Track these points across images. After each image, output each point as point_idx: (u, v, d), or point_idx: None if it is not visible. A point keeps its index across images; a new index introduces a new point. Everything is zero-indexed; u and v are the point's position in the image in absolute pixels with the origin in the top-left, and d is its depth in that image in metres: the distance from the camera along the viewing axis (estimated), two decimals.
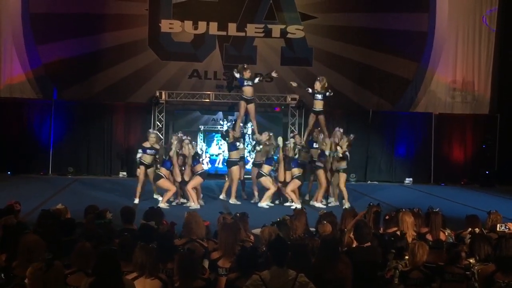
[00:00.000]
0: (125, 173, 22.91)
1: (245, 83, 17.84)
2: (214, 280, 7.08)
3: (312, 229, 9.47)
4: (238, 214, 9.22)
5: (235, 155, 17.27)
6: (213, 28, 23.53)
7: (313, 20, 23.85)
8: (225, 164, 18.70)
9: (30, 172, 22.40)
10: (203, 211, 14.76)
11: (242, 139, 17.91)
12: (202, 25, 23.51)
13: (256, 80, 18.13)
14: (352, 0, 24.01)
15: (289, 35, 23.81)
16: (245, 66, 18.21)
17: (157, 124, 22.79)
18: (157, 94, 22.54)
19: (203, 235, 8.15)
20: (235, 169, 17.14)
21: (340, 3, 23.94)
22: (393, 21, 23.91)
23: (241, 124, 18.68)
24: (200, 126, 23.78)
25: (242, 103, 18.04)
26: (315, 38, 23.86)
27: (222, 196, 17.49)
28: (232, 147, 17.31)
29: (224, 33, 23.61)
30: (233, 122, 19.01)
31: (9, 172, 22.20)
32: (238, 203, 16.80)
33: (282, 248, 6.04)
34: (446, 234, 9.17)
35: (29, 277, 5.54)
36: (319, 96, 18.00)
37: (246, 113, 18.34)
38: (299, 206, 15.34)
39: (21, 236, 6.79)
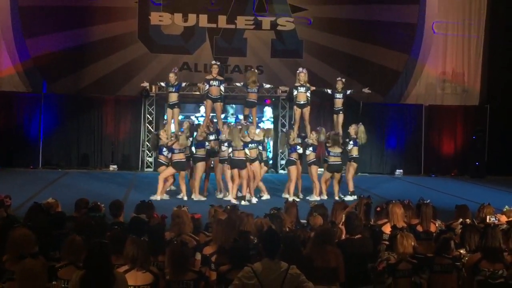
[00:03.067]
0: (115, 166, 22.87)
1: (211, 83, 17.48)
2: (205, 274, 7.07)
3: (303, 221, 9.49)
4: (228, 207, 9.22)
5: (201, 152, 16.92)
6: (203, 20, 23.47)
7: (304, 12, 23.82)
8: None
9: (20, 166, 22.30)
10: (197, 203, 14.82)
11: (214, 136, 17.22)
12: (192, 18, 23.46)
13: (222, 86, 17.79)
14: None
15: (279, 27, 23.77)
16: (212, 63, 18.00)
17: (147, 117, 22.75)
18: (147, 86, 22.45)
19: (190, 231, 8.12)
20: (200, 165, 16.80)
21: None
22: (383, 12, 23.90)
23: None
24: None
25: (208, 102, 17.58)
26: (305, 30, 23.84)
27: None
28: (199, 144, 16.99)
29: (214, 25, 23.56)
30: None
31: None
32: (203, 199, 16.57)
33: (274, 240, 6.04)
34: (437, 225, 9.20)
35: (17, 272, 5.60)
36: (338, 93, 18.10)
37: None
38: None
39: (11, 230, 6.75)
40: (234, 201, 15.26)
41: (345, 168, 17.70)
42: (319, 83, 19.47)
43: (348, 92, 18.40)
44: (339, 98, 18.30)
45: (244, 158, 16.27)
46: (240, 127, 16.44)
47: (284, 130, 18.98)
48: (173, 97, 17.60)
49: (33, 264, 5.64)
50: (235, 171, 16.16)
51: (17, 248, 6.30)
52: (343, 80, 18.50)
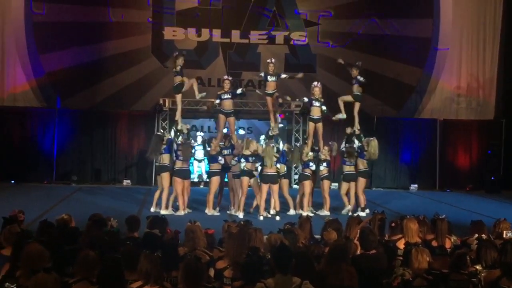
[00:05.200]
0: (129, 181, 22.91)
1: (223, 96, 17.14)
2: None
3: (318, 236, 9.43)
4: (242, 222, 9.17)
5: (216, 166, 16.92)
6: (217, 35, 23.54)
7: (317, 27, 23.84)
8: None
9: (34, 181, 22.37)
10: (211, 219, 14.78)
11: (229, 150, 17.08)
12: (205, 32, 23.53)
13: (239, 90, 17.59)
14: (356, 7, 23.96)
15: (292, 42, 23.80)
16: (224, 78, 17.69)
17: (161, 131, 22.77)
18: (161, 101, 22.52)
19: (204, 246, 8.09)
20: (215, 179, 16.82)
21: (344, 9, 23.92)
22: (397, 27, 23.89)
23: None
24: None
25: (221, 117, 17.23)
26: (319, 45, 23.85)
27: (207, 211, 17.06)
28: (213, 159, 16.99)
29: (227, 40, 23.62)
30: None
31: (12, 181, 22.20)
32: (217, 214, 16.54)
33: (286, 255, 6.01)
34: (452, 240, 9.11)
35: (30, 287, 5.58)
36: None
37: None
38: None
39: (24, 245, 6.75)
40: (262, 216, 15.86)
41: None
42: (332, 97, 19.37)
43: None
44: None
45: (276, 174, 16.36)
46: (272, 144, 16.46)
47: (298, 145, 18.89)
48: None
49: (46, 279, 5.64)
50: (266, 186, 16.24)
51: (30, 263, 6.30)
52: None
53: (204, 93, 17.82)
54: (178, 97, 17.51)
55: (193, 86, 17.63)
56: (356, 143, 17.41)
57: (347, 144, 17.63)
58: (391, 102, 24.16)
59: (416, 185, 23.77)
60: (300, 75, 18.90)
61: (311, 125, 17.51)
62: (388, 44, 23.91)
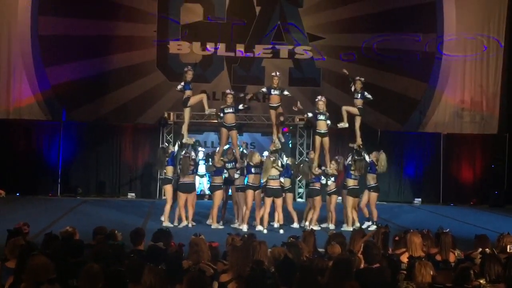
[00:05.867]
0: (133, 194, 22.96)
1: (226, 110, 17.08)
2: None
3: (321, 250, 9.44)
4: (246, 236, 9.19)
5: (218, 180, 17.00)
6: (221, 49, 23.64)
7: (321, 41, 23.94)
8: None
9: (39, 193, 22.45)
10: (214, 232, 14.79)
11: (232, 164, 17.12)
12: (210, 46, 23.64)
13: (241, 106, 17.58)
14: (360, 21, 24.06)
15: (297, 56, 23.88)
16: (227, 92, 17.68)
17: (165, 144, 22.82)
18: (166, 115, 22.58)
19: (208, 259, 8.10)
20: (218, 193, 16.89)
21: (348, 24, 24.02)
22: (401, 41, 23.97)
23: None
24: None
25: (224, 131, 17.21)
26: (323, 59, 23.94)
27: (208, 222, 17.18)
28: (216, 173, 17.03)
29: (232, 54, 23.71)
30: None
31: (17, 193, 22.26)
32: (221, 227, 16.51)
33: (289, 269, 6.01)
34: (456, 255, 9.11)
35: None
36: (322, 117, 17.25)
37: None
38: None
39: (29, 257, 6.77)
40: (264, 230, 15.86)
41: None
42: (337, 111, 19.37)
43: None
44: (323, 119, 17.22)
45: (280, 187, 16.38)
46: (273, 158, 16.38)
47: (307, 159, 18.70)
48: (230, 118, 17.16)
49: None
50: (269, 199, 16.23)
51: (34, 275, 6.30)
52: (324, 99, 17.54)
53: (214, 109, 17.64)
54: (186, 110, 17.48)
55: (202, 100, 17.58)
56: (367, 158, 17.09)
57: (356, 157, 17.26)
58: (395, 116, 24.18)
59: (419, 199, 23.76)
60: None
61: (317, 139, 17.19)
62: (392, 58, 23.97)
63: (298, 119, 22.68)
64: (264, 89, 17.99)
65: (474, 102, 24.39)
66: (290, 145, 23.53)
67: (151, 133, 23.47)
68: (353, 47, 23.96)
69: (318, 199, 16.95)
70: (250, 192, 16.35)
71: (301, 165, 17.58)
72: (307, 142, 23.14)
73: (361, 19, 24.02)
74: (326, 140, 17.23)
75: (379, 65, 23.85)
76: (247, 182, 16.57)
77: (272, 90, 17.35)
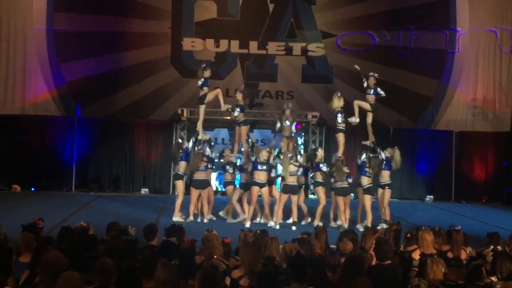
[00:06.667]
0: (147, 190, 23.10)
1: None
2: None
3: (333, 246, 9.48)
4: (258, 231, 9.24)
5: (229, 176, 17.18)
6: (235, 46, 23.68)
7: (334, 38, 23.93)
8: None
9: (53, 188, 22.61)
10: (227, 227, 14.85)
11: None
12: (223, 43, 23.69)
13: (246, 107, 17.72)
14: (372, 18, 24.01)
15: (309, 53, 23.89)
16: (238, 89, 17.94)
17: (180, 140, 22.88)
18: (179, 111, 22.68)
19: (220, 255, 8.16)
20: (230, 188, 17.13)
21: (360, 21, 23.99)
22: (414, 38, 23.92)
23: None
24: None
25: (236, 128, 17.59)
26: (335, 56, 23.92)
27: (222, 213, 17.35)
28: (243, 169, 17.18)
29: (245, 51, 23.75)
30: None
31: (32, 188, 22.45)
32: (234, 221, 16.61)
33: (302, 265, 6.05)
34: (467, 252, 9.12)
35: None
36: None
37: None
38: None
39: (43, 252, 6.85)
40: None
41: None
42: (349, 108, 19.34)
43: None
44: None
45: (296, 184, 16.34)
46: (290, 154, 16.37)
47: (339, 158, 18.28)
48: (240, 117, 17.40)
49: (73, 275, 5.76)
50: (286, 196, 16.21)
51: (49, 269, 6.38)
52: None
53: (230, 105, 17.75)
54: (202, 107, 17.65)
55: (218, 96, 17.72)
56: (382, 155, 16.74)
57: (371, 154, 17.02)
58: (408, 113, 24.14)
59: (431, 196, 23.74)
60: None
61: (342, 136, 17.32)
62: (405, 55, 23.92)
63: (311, 116, 22.67)
64: (278, 124, 17.52)
65: (486, 100, 24.27)
66: (301, 143, 23.17)
67: (164, 130, 23.57)
68: (366, 44, 23.91)
69: (320, 190, 16.87)
70: (255, 189, 16.30)
71: (337, 163, 17.21)
72: (319, 138, 23.16)
73: (374, 17, 23.96)
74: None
75: (391, 62, 23.79)
76: (254, 178, 16.40)
77: (286, 121, 17.17)
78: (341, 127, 17.14)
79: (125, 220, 11.35)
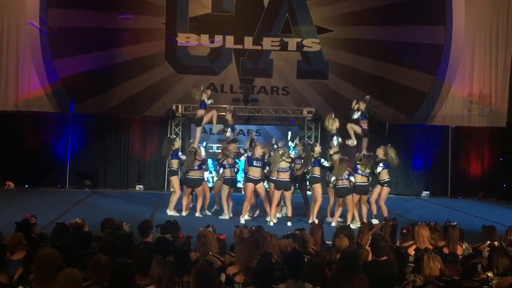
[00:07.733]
0: (141, 186, 23.04)
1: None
2: None
3: (329, 242, 9.45)
4: (253, 228, 9.21)
5: (228, 173, 17.11)
6: (230, 41, 23.62)
7: (329, 34, 23.87)
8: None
9: (47, 185, 22.55)
10: (222, 224, 14.80)
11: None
12: (218, 39, 23.61)
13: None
14: (368, 14, 23.96)
15: (305, 48, 23.83)
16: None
17: (173, 136, 22.85)
18: (174, 107, 22.63)
19: (215, 252, 8.13)
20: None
21: (356, 16, 23.93)
22: (410, 34, 23.88)
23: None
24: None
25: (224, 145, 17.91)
26: (331, 51, 23.87)
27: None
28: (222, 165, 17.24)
29: (240, 46, 23.68)
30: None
31: (26, 185, 22.36)
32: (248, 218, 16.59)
33: (298, 261, 6.02)
34: (464, 247, 9.11)
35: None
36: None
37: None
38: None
39: (38, 249, 6.80)
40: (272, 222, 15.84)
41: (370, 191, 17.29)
42: (344, 104, 19.36)
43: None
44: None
45: (289, 180, 16.31)
46: (282, 151, 16.31)
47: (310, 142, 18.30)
48: (231, 136, 17.93)
49: (74, 272, 5.68)
50: (279, 192, 16.16)
51: (43, 267, 6.34)
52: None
53: (222, 126, 18.33)
54: (198, 129, 18.05)
55: (212, 119, 18.05)
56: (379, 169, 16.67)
57: (364, 153, 17.03)
58: (403, 108, 24.11)
59: (427, 192, 23.75)
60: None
61: None
62: (401, 51, 23.88)
63: (306, 112, 22.64)
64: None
65: (482, 95, 24.26)
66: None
67: (159, 126, 23.50)
68: (361, 39, 23.86)
69: (317, 187, 16.65)
70: (250, 185, 16.32)
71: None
72: (315, 134, 23.14)
73: (370, 12, 23.92)
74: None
75: (387, 58, 23.77)
76: (248, 174, 16.43)
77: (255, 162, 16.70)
78: (336, 150, 16.76)
79: (120, 216, 11.29)
